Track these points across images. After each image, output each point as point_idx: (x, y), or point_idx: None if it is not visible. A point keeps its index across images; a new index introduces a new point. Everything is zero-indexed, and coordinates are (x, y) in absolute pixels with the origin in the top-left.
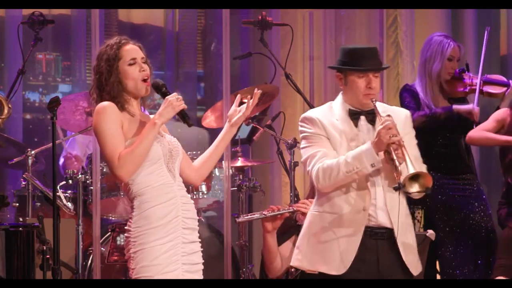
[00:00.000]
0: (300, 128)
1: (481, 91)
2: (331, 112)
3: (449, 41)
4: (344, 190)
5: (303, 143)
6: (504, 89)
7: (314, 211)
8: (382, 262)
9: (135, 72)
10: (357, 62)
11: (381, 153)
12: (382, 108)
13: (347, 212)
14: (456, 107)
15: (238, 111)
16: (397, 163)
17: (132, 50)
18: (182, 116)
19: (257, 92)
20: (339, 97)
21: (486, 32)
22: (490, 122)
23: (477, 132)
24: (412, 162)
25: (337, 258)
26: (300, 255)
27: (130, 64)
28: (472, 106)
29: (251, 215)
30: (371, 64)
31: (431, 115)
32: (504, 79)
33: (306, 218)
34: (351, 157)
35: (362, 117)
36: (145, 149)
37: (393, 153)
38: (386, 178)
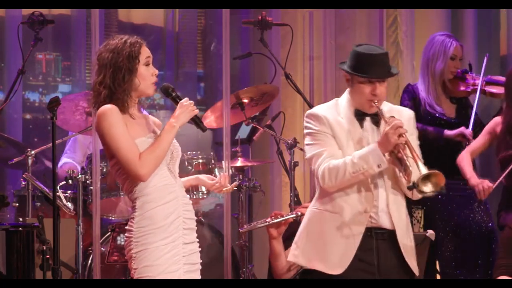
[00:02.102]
0: (305, 124)
1: (483, 91)
2: (337, 110)
3: (452, 40)
4: (346, 191)
5: (307, 140)
6: None
7: (315, 208)
8: (382, 263)
9: (149, 73)
10: (364, 68)
11: (387, 154)
12: (387, 107)
13: (348, 213)
14: (447, 133)
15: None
16: (407, 162)
17: (147, 51)
18: (195, 121)
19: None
20: (346, 95)
21: (485, 58)
22: (481, 137)
23: (459, 158)
24: (422, 161)
25: (335, 258)
26: (297, 251)
27: (146, 65)
28: (462, 129)
29: (254, 223)
30: (378, 72)
31: (421, 130)
32: None
33: (306, 214)
34: (358, 158)
35: (368, 118)
36: (164, 150)
37: (402, 152)
38: (388, 180)
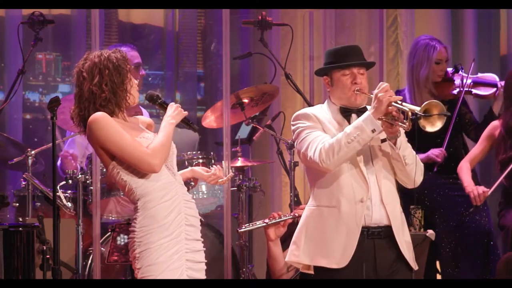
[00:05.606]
0: (295, 125)
1: (469, 93)
2: (323, 110)
3: (434, 43)
4: (340, 183)
5: (299, 137)
6: (493, 90)
7: (311, 206)
8: (379, 262)
9: (135, 83)
10: (340, 60)
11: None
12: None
13: (344, 204)
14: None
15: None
16: (406, 108)
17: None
18: (186, 123)
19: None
20: (327, 101)
21: (472, 63)
22: (479, 144)
23: (459, 169)
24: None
25: (338, 252)
26: (297, 251)
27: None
28: (429, 153)
29: (252, 224)
30: (354, 60)
31: None
32: (495, 79)
33: (303, 213)
34: (351, 127)
35: (354, 115)
36: (169, 141)
37: (396, 111)
38: (380, 169)
